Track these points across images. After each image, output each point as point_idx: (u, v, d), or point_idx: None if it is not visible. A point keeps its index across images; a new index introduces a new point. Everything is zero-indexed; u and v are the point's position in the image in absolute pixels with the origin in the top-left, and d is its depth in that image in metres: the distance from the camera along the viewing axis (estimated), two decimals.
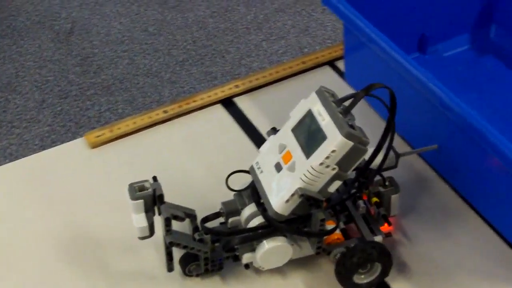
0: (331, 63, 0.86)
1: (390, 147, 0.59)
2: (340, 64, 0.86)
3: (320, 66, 0.86)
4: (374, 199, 0.63)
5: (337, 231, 0.62)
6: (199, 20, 1.92)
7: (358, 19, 0.72)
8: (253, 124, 0.79)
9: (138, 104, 1.67)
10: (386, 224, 0.63)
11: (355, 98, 0.56)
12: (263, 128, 0.78)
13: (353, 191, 0.61)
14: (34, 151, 1.51)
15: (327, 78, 0.84)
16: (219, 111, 0.81)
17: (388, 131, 0.58)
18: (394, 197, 0.63)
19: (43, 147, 1.55)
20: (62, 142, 1.62)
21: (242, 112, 0.81)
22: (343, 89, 0.81)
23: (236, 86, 0.83)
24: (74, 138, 1.50)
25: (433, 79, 0.66)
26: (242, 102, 0.82)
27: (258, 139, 0.77)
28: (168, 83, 1.74)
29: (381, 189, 0.63)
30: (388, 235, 0.64)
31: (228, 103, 0.82)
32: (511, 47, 0.86)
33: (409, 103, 0.68)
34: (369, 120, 0.75)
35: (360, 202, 0.63)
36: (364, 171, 0.59)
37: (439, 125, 0.68)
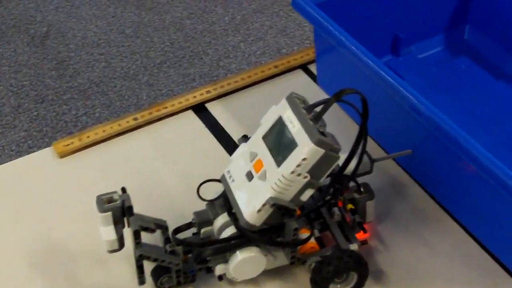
0: (303, 67, 0.85)
1: (363, 152, 0.58)
2: (313, 68, 0.85)
3: (293, 69, 0.85)
4: (349, 206, 0.62)
5: (312, 240, 0.60)
6: (177, 22, 1.91)
7: (326, 22, 0.71)
8: (226, 131, 0.78)
9: (115, 107, 1.66)
10: (361, 232, 0.62)
11: (326, 104, 0.55)
12: (235, 134, 0.77)
13: (328, 198, 0.60)
14: (11, 157, 1.49)
15: (300, 82, 0.83)
16: (191, 118, 0.80)
17: (361, 137, 0.57)
18: (369, 204, 0.62)
19: (19, 153, 1.53)
20: (39, 148, 1.60)
21: (214, 118, 0.79)
22: (315, 93, 0.81)
23: (208, 92, 0.81)
24: (51, 143, 1.48)
25: (403, 82, 0.65)
26: (214, 108, 0.80)
27: (230, 146, 0.75)
28: (145, 86, 1.72)
29: (356, 195, 0.62)
30: (363, 242, 0.63)
31: (200, 109, 0.80)
32: (485, 48, 0.85)
33: (382, 107, 0.67)
34: (343, 124, 0.74)
35: (335, 209, 0.62)
36: (338, 177, 0.58)
37: (412, 129, 0.67)
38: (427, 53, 0.85)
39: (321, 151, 0.53)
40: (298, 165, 0.54)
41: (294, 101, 0.56)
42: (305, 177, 0.54)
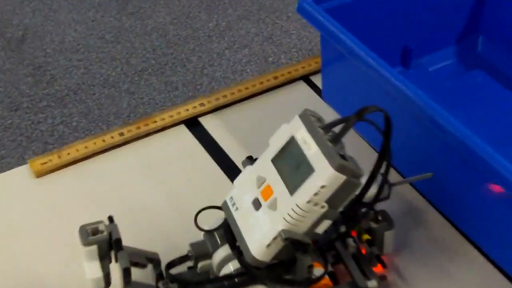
0: (305, 78, 0.79)
1: (386, 177, 0.52)
2: (316, 79, 0.79)
3: (294, 81, 0.79)
4: (366, 237, 0.56)
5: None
6: (159, 27, 1.88)
7: (337, 29, 0.65)
8: (222, 148, 0.71)
9: (94, 116, 1.61)
10: (379, 265, 0.55)
11: (347, 123, 0.48)
12: (233, 152, 0.70)
13: (343, 229, 0.53)
14: None
15: (302, 94, 0.78)
16: (183, 133, 0.73)
17: (383, 159, 0.51)
18: (388, 234, 0.56)
19: None
20: (13, 158, 1.55)
21: (209, 133, 0.73)
22: (319, 107, 0.74)
23: (202, 105, 0.75)
24: (25, 153, 1.43)
25: (424, 96, 0.59)
26: (208, 123, 0.74)
27: (227, 165, 0.69)
28: (126, 94, 1.68)
29: (373, 224, 0.56)
30: (382, 278, 0.56)
31: (193, 124, 0.74)
32: (499, 60, 0.81)
33: (398, 124, 0.61)
34: (355, 146, 0.68)
35: (350, 240, 0.55)
36: (358, 205, 0.52)
37: (432, 148, 0.62)
38: (438, 66, 0.81)
39: (342, 177, 0.47)
40: (316, 194, 0.47)
41: (309, 119, 0.50)
42: (323, 207, 0.48)
